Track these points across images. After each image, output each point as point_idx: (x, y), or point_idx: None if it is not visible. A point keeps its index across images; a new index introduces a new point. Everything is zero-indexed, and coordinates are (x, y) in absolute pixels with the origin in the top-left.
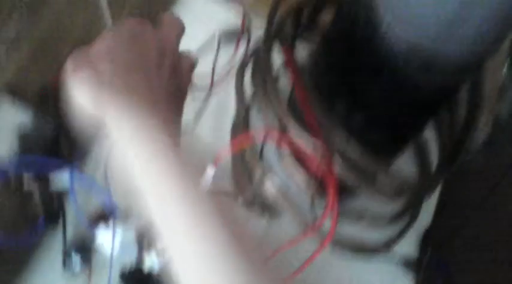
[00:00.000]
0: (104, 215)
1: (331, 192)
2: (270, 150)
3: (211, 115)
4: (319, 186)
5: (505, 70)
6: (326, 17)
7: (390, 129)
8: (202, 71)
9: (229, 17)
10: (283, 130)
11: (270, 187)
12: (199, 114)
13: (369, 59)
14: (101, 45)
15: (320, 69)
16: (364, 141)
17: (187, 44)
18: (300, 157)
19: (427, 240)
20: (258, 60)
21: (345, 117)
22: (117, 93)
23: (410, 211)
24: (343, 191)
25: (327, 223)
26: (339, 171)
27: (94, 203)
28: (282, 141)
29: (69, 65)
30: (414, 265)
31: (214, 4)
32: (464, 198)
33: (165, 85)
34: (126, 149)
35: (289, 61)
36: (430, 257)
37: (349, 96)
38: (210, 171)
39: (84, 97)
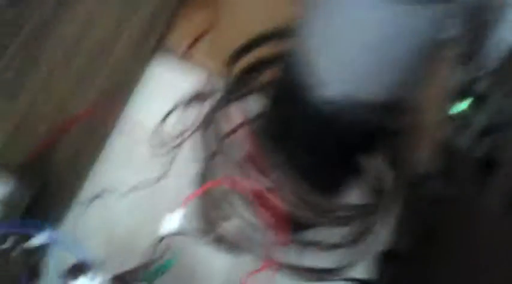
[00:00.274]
0: (82, 269)
1: (281, 227)
2: (232, 193)
3: (180, 166)
4: (275, 223)
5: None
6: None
7: (331, 167)
8: (171, 130)
9: (197, 81)
10: (242, 176)
11: (233, 227)
12: (167, 167)
13: (307, 108)
14: None
15: (269, 119)
16: (311, 179)
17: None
18: (257, 199)
19: (384, 261)
20: (218, 115)
21: (292, 159)
22: None
23: (363, 235)
24: (299, 225)
25: (286, 256)
26: (292, 207)
27: (72, 259)
28: (242, 185)
29: None
30: None
31: (181, 71)
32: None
33: None
34: None
35: (242, 115)
36: (387, 277)
37: (293, 142)
38: (179, 213)
39: None
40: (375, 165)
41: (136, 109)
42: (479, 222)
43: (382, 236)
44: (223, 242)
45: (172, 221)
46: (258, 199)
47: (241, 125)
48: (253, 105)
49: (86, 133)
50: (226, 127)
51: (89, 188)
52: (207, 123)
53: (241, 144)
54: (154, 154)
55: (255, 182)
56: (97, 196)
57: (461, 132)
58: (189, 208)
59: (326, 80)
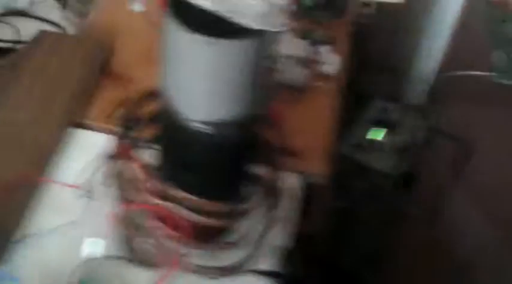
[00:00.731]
0: None
1: (189, 237)
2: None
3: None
4: (183, 234)
5: None
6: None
7: (222, 179)
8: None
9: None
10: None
11: (145, 244)
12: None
13: (183, 134)
14: None
15: (160, 149)
16: (205, 194)
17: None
18: (162, 218)
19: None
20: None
21: (184, 180)
22: None
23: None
24: (207, 232)
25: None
26: (197, 220)
27: None
28: (151, 208)
29: None
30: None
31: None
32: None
33: None
34: None
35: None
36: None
37: (183, 164)
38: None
39: None
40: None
41: (61, 167)
42: None
43: (280, 233)
44: (142, 260)
45: (93, 246)
46: (165, 218)
47: (141, 166)
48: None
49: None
50: (128, 167)
51: (24, 230)
52: (114, 167)
53: (142, 176)
54: (77, 198)
55: (160, 204)
56: (31, 236)
57: (380, 155)
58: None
59: (186, 109)
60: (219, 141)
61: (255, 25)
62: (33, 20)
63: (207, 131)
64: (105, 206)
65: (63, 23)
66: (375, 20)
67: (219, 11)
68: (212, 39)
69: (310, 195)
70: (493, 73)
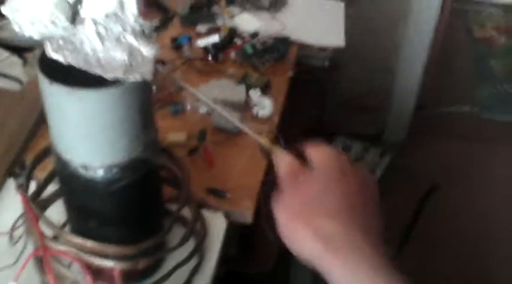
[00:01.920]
0: None
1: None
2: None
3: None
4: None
5: None
6: None
7: (122, 226)
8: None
9: None
10: None
11: None
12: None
13: (72, 184)
14: (308, 192)
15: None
16: (113, 238)
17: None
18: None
19: None
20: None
21: (96, 227)
22: (338, 251)
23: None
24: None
25: None
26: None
27: None
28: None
29: (280, 218)
30: None
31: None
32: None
33: (373, 214)
34: None
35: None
36: None
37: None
38: None
39: (305, 253)
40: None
41: None
42: None
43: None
44: None
45: None
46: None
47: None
48: None
49: None
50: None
51: None
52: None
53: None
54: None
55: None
56: None
57: None
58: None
59: (67, 154)
60: (106, 186)
61: (116, 76)
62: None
63: (92, 177)
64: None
65: (24, 78)
66: (338, 61)
67: (72, 64)
68: (70, 89)
69: (248, 233)
70: (477, 109)
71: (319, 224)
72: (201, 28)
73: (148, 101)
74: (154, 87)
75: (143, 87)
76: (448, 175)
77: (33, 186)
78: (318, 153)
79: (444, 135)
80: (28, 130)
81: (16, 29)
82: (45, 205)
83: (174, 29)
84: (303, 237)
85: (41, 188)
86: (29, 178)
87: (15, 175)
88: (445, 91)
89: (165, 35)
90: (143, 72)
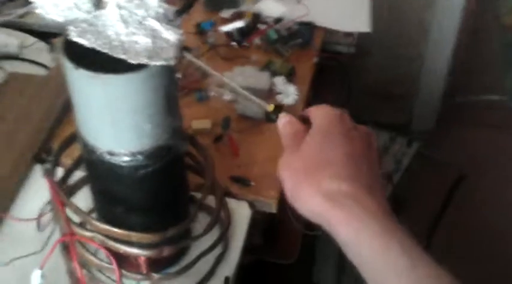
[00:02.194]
0: None
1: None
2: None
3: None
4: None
5: None
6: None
7: (147, 213)
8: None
9: None
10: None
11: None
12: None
13: (98, 170)
14: (311, 152)
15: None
16: (138, 225)
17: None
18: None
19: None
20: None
21: (122, 214)
22: (344, 208)
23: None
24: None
25: None
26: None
27: None
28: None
29: (285, 179)
30: None
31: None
32: None
33: (376, 174)
34: (358, 248)
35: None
36: None
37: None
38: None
39: (311, 211)
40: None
41: (22, 200)
42: None
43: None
44: None
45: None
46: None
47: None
48: None
49: None
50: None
51: None
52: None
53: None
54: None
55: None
56: None
57: None
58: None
59: (94, 141)
60: (132, 172)
61: (139, 60)
62: (23, 62)
63: (117, 163)
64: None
65: (50, 64)
66: (364, 48)
67: (96, 48)
68: (94, 74)
69: (273, 223)
70: (506, 98)
71: (324, 183)
72: (225, 13)
73: (173, 87)
74: (179, 74)
75: (168, 72)
76: (476, 164)
77: (60, 173)
78: (319, 112)
79: (472, 124)
80: (54, 116)
81: (39, 11)
82: (71, 191)
83: (198, 14)
84: (309, 196)
85: (67, 174)
86: (55, 165)
87: (42, 162)
88: (474, 79)
89: (188, 21)
90: (167, 57)
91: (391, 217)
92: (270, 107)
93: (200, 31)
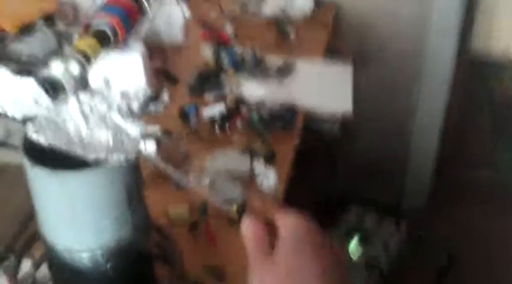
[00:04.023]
0: None
1: None
2: None
3: None
4: None
5: None
6: None
7: None
8: None
9: None
10: None
11: None
12: None
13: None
14: (283, 268)
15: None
16: None
17: None
18: None
19: None
20: None
21: None
22: None
23: None
24: None
25: None
26: None
27: None
28: None
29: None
30: None
31: None
32: None
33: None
34: None
35: None
36: None
37: None
38: None
39: None
40: None
41: None
42: None
43: None
44: None
45: None
46: None
47: None
48: None
49: None
50: None
51: None
52: None
53: None
54: None
55: None
56: None
57: None
58: None
59: (51, 238)
60: (92, 270)
61: (98, 156)
62: (7, 149)
63: (77, 259)
64: None
65: None
66: (350, 126)
67: (53, 145)
68: (50, 172)
69: None
70: (499, 174)
71: None
72: (208, 96)
73: (135, 181)
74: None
75: (128, 167)
76: (468, 245)
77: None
78: (288, 221)
79: (464, 201)
80: (27, 209)
81: None
82: None
83: (181, 98)
84: None
85: (35, 269)
86: (18, 262)
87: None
88: (466, 154)
89: (172, 104)
90: (127, 152)
91: None
92: (233, 208)
93: (183, 114)
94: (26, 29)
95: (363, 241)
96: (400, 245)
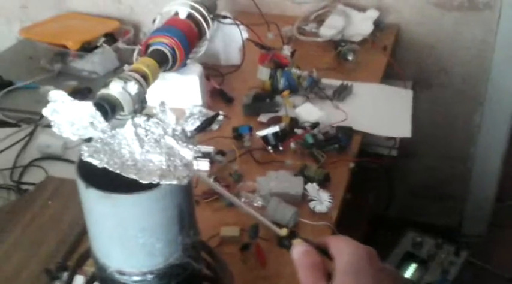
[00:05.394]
0: None
1: None
2: None
3: None
4: None
5: None
6: None
7: None
8: None
9: None
10: None
11: None
12: None
13: None
14: None
15: None
16: None
17: None
18: None
19: None
20: None
21: None
22: None
23: None
24: None
25: None
26: None
27: None
28: None
29: None
30: None
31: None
32: None
33: None
34: None
35: None
36: None
37: None
38: None
39: None
40: None
41: None
42: None
43: None
44: None
45: None
46: None
47: None
48: None
49: None
50: None
51: None
52: None
53: None
54: None
55: None
56: None
57: None
58: None
59: (105, 260)
60: None
61: (151, 180)
62: (66, 164)
63: (127, 282)
64: None
65: None
66: (408, 149)
67: (108, 168)
68: (103, 194)
69: None
70: None
71: None
72: (263, 118)
73: (187, 204)
74: (211, 178)
75: (181, 191)
76: None
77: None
78: (344, 247)
79: None
80: (81, 226)
81: (54, 130)
82: None
83: (236, 119)
84: None
85: None
86: (71, 279)
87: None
88: None
89: (227, 125)
90: (180, 175)
91: None
92: (283, 232)
93: (237, 135)
94: (88, 47)
95: (420, 268)
96: (459, 274)
